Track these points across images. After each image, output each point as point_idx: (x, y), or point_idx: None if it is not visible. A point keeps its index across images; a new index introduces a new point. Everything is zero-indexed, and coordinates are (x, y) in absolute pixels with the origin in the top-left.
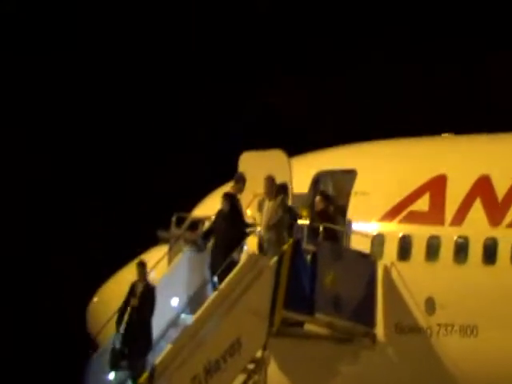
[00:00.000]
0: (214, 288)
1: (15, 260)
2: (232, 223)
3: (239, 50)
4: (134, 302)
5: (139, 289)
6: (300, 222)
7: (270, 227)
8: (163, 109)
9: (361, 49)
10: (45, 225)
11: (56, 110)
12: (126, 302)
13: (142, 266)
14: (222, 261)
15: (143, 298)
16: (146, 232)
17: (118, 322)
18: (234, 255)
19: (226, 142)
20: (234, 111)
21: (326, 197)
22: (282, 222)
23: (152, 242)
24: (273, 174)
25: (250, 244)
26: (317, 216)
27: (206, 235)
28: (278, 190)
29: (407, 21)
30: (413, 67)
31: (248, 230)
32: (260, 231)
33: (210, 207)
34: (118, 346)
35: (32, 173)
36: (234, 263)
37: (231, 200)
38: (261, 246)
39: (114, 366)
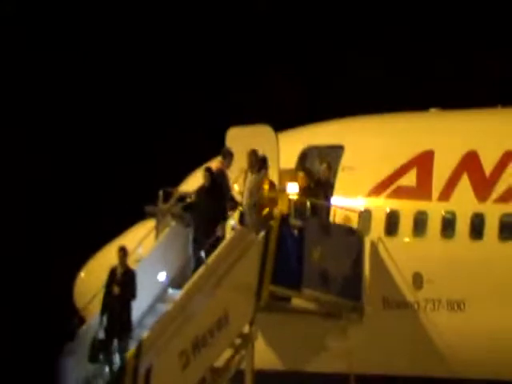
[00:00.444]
0: (197, 264)
1: (15, 260)
2: (213, 198)
3: (239, 49)
4: (116, 289)
5: (119, 275)
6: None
7: (251, 202)
8: (162, 110)
9: (361, 49)
10: (45, 225)
11: (56, 109)
12: (108, 290)
13: (123, 251)
14: (203, 236)
15: (124, 285)
16: None
17: (102, 313)
18: (218, 230)
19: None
20: (234, 111)
21: (308, 173)
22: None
23: (139, 216)
24: (256, 148)
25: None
26: (300, 192)
27: (187, 208)
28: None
29: (407, 21)
30: (413, 67)
31: (232, 204)
32: (242, 204)
33: (196, 182)
34: (100, 336)
35: (32, 173)
36: (217, 238)
37: (212, 175)
38: (242, 219)
39: (94, 359)
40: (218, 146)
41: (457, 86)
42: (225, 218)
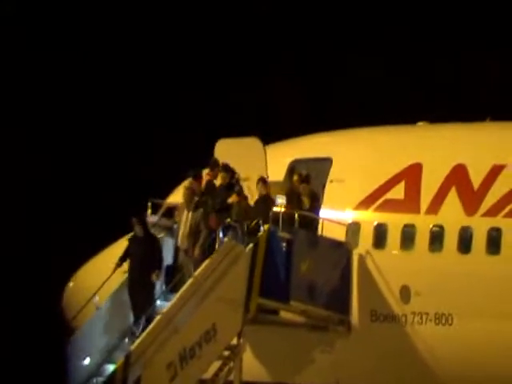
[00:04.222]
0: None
1: (15, 260)
2: (146, 247)
3: (239, 49)
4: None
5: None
6: (275, 209)
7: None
8: (162, 110)
9: (361, 49)
10: (45, 225)
11: (56, 109)
12: None
13: None
14: (139, 289)
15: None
16: None
17: None
18: (152, 278)
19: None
20: (234, 111)
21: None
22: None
23: (128, 229)
24: (243, 160)
25: None
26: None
27: (122, 259)
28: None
29: (407, 21)
30: (413, 67)
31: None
32: (177, 241)
33: None
34: None
35: (32, 173)
36: (152, 287)
37: (145, 225)
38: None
39: None
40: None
41: (457, 86)
42: (159, 267)
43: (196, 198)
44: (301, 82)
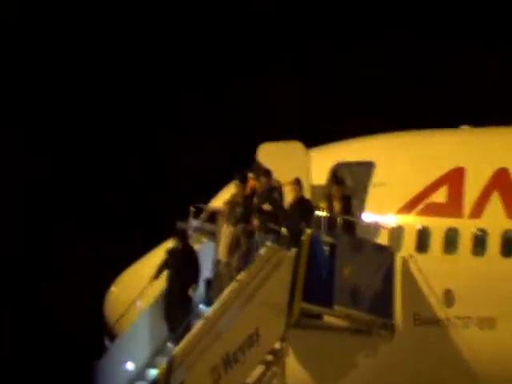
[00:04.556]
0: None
1: (15, 260)
2: (183, 260)
3: (239, 49)
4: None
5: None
6: (318, 213)
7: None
8: (162, 110)
9: (361, 49)
10: (45, 224)
11: (56, 109)
12: None
13: None
14: (176, 301)
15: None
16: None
17: None
18: (189, 292)
19: (225, 142)
20: (234, 111)
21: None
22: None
23: (170, 233)
24: (287, 164)
25: None
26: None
27: (160, 270)
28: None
29: (407, 21)
30: (413, 67)
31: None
32: (218, 255)
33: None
34: None
35: (32, 173)
36: (188, 300)
37: (183, 236)
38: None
39: None
40: (217, 146)
41: (457, 86)
42: (196, 280)
43: (238, 210)
44: (301, 81)
